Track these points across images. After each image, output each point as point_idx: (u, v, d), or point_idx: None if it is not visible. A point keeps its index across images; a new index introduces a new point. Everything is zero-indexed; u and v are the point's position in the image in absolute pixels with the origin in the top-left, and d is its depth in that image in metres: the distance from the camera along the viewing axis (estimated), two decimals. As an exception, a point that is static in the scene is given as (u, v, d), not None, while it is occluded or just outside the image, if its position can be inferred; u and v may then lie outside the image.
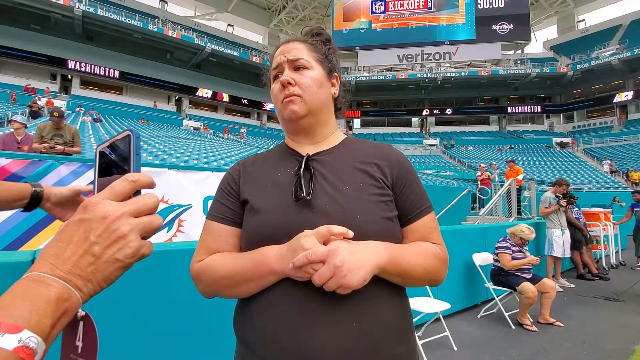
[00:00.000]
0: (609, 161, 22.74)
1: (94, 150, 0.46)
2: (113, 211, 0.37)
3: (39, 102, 17.03)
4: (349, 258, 0.60)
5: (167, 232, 3.40)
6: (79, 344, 0.39)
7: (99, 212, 0.37)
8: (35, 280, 0.33)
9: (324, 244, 0.63)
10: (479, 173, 10.67)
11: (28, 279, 0.34)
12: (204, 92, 33.47)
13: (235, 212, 0.77)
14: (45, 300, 0.32)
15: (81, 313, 0.40)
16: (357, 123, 39.99)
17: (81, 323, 0.40)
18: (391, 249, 0.67)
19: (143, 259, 0.40)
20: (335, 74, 0.86)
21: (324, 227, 0.63)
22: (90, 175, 2.95)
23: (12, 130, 4.37)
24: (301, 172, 0.74)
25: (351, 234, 0.63)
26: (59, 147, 4.01)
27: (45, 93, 22.63)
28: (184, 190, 3.51)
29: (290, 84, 0.76)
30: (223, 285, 0.70)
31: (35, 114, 15.54)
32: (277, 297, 0.67)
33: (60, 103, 20.62)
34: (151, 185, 0.41)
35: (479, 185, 10.07)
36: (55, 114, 4.16)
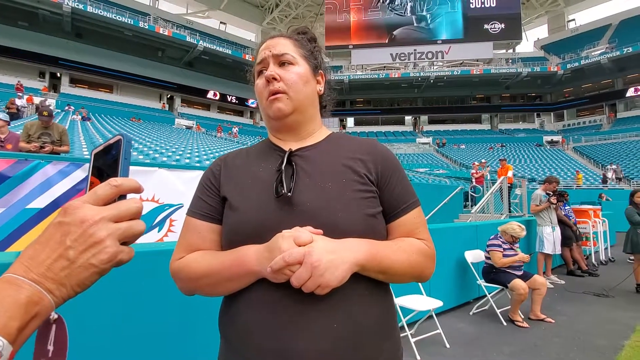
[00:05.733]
0: (614, 166, 19.95)
1: (90, 154, 0.46)
2: (92, 215, 0.37)
3: (17, 101, 15.08)
4: (326, 257, 0.59)
5: (158, 232, 3.36)
6: (50, 347, 0.39)
7: (78, 216, 0.37)
8: (7, 281, 0.33)
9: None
10: (473, 170, 10.76)
11: (1, 281, 0.34)
12: (196, 91, 33.18)
13: (216, 208, 0.76)
14: (14, 303, 0.32)
15: (54, 316, 0.39)
16: (350, 122, 40.01)
17: (53, 326, 0.39)
18: (371, 246, 0.66)
19: (131, 262, 0.40)
20: (321, 71, 0.84)
21: (302, 231, 0.62)
22: (78, 174, 2.90)
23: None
24: (283, 168, 0.72)
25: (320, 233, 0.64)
26: (47, 147, 3.93)
27: (33, 91, 22.21)
28: (175, 190, 3.47)
29: (275, 79, 0.74)
30: (202, 284, 0.70)
31: (13, 115, 12.85)
32: (257, 298, 0.66)
33: (49, 102, 20.23)
34: (137, 190, 0.41)
35: (474, 182, 10.14)
36: (45, 113, 4.08)
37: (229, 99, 35.57)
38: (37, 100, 17.40)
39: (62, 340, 0.39)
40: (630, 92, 30.90)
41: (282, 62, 0.77)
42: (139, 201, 0.41)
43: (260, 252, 0.64)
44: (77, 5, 23.60)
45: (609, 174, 19.52)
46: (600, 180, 19.12)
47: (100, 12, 24.66)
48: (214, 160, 0.88)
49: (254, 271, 0.64)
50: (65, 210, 0.37)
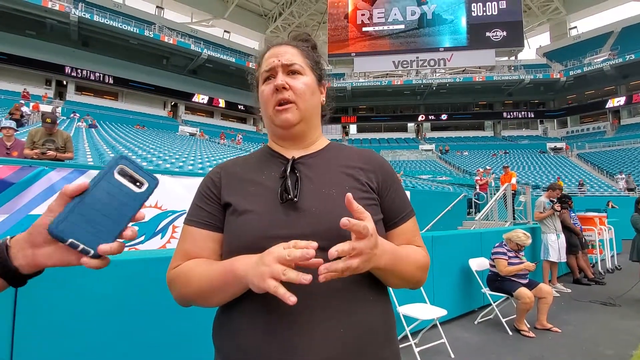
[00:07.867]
0: (624, 176, 18.36)
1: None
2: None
3: (22, 108, 14.69)
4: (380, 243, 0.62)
5: (161, 238, 3.36)
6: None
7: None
8: None
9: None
10: (477, 177, 10.69)
11: None
12: (200, 98, 33.45)
13: (216, 216, 0.75)
14: None
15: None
16: (353, 128, 40.07)
17: None
18: (394, 247, 0.68)
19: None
20: (323, 81, 0.86)
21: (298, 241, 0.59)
22: (81, 181, 2.90)
23: (1, 135, 4.31)
24: (287, 174, 0.72)
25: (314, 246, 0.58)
26: (50, 152, 3.96)
27: (42, 98, 22.46)
28: (177, 196, 3.47)
29: (285, 88, 0.75)
30: (194, 294, 0.67)
31: (17, 123, 12.86)
32: (256, 304, 0.64)
33: (56, 109, 20.41)
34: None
35: (478, 189, 10.08)
36: (48, 120, 4.11)
37: (233, 107, 35.79)
38: (48, 108, 17.22)
39: None
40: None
41: (290, 71, 0.78)
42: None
43: (253, 259, 0.60)
44: (83, 14, 23.97)
45: (619, 184, 18.54)
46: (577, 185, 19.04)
47: (107, 21, 25.02)
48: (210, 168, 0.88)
49: (238, 275, 0.60)
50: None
